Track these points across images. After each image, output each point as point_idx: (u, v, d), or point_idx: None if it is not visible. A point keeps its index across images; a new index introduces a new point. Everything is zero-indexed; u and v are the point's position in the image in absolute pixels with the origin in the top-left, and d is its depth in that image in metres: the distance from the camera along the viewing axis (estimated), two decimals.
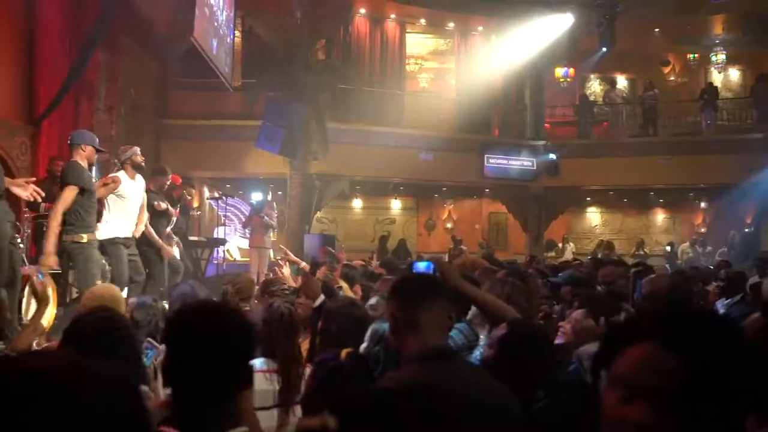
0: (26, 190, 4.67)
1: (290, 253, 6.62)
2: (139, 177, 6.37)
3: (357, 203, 19.44)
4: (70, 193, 5.20)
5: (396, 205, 19.88)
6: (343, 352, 2.76)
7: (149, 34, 13.59)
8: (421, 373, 1.83)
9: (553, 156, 16.69)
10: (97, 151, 5.63)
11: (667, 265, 13.82)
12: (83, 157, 5.48)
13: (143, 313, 3.44)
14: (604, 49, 15.98)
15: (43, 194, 4.94)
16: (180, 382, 1.60)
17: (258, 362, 2.83)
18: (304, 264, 6.18)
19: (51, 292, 6.53)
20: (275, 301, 4.20)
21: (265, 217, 10.75)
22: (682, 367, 1.09)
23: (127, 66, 12.33)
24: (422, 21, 17.37)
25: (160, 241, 6.88)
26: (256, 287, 5.12)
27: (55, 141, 9.56)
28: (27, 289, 6.22)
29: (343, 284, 4.59)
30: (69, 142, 5.65)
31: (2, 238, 4.26)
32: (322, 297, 3.58)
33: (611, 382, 1.20)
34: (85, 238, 5.28)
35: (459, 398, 1.72)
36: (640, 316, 1.63)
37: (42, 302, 5.43)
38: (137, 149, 6.42)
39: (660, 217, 20.29)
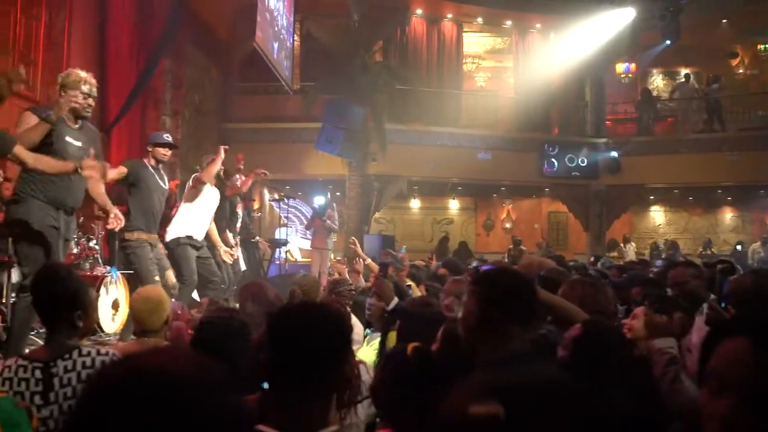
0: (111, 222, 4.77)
1: (359, 248, 6.66)
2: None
3: (415, 203, 19.45)
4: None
5: (454, 205, 19.80)
6: (409, 347, 2.75)
7: (211, 41, 13.94)
8: (506, 377, 1.79)
9: (614, 153, 16.33)
10: (161, 145, 5.70)
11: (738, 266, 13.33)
12: (150, 157, 5.67)
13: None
14: (668, 42, 15.51)
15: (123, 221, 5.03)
16: (280, 381, 1.62)
17: None
18: (370, 261, 6.22)
19: (124, 292, 6.79)
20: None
21: (328, 221, 10.87)
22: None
23: (190, 72, 12.68)
24: (479, 20, 17.25)
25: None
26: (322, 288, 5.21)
27: (124, 147, 9.93)
28: (102, 289, 6.48)
29: (413, 284, 4.59)
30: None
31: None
32: (395, 299, 3.58)
33: (706, 375, 1.23)
34: (135, 235, 5.36)
35: (544, 403, 1.70)
36: (735, 314, 1.59)
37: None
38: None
39: (728, 215, 19.60)
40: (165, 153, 5.67)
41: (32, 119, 4.12)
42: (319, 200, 11.48)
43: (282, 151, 14.28)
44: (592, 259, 9.63)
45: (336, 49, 14.45)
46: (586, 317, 2.70)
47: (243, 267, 8.54)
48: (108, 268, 6.86)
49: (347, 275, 5.71)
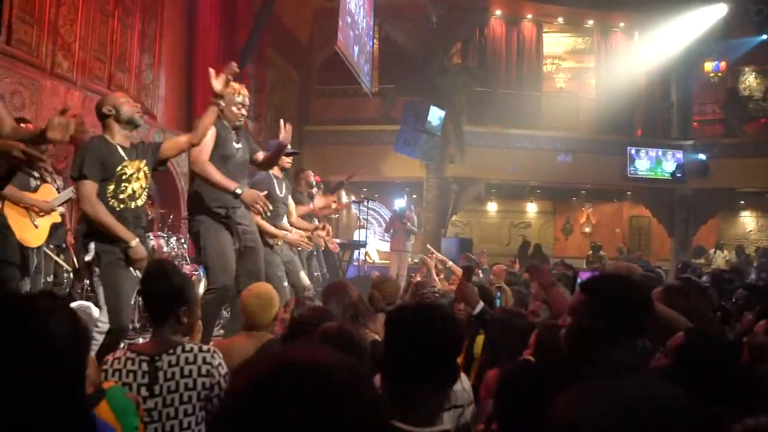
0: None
1: (437, 252, 6.64)
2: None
3: (492, 206, 19.25)
4: None
5: (532, 208, 19.49)
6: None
7: (292, 44, 14.24)
8: (617, 390, 1.72)
9: (702, 156, 15.68)
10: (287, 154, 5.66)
11: None
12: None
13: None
14: (765, 37, 14.75)
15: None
16: (398, 378, 1.65)
17: None
18: (450, 263, 6.18)
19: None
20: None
21: (408, 223, 10.90)
22: None
23: (272, 76, 12.98)
24: (560, 20, 16.93)
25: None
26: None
27: None
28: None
29: (506, 288, 4.54)
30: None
31: None
32: (481, 304, 3.53)
33: None
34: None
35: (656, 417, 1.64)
36: None
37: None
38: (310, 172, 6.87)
39: None
40: (288, 161, 5.70)
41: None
42: (399, 202, 11.53)
43: (360, 153, 14.43)
44: (679, 265, 9.26)
45: (414, 51, 14.49)
46: (689, 325, 2.60)
47: (323, 270, 8.56)
48: (196, 266, 7.08)
49: (434, 274, 5.69)
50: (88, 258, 3.71)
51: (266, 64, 12.60)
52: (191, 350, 2.50)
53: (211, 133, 4.33)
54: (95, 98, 8.02)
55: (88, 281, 3.91)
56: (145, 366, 2.46)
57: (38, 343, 1.20)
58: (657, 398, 1.72)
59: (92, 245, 3.70)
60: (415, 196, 15.93)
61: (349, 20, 11.37)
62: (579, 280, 3.07)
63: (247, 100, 4.59)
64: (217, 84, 4.04)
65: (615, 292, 1.90)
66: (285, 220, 6.14)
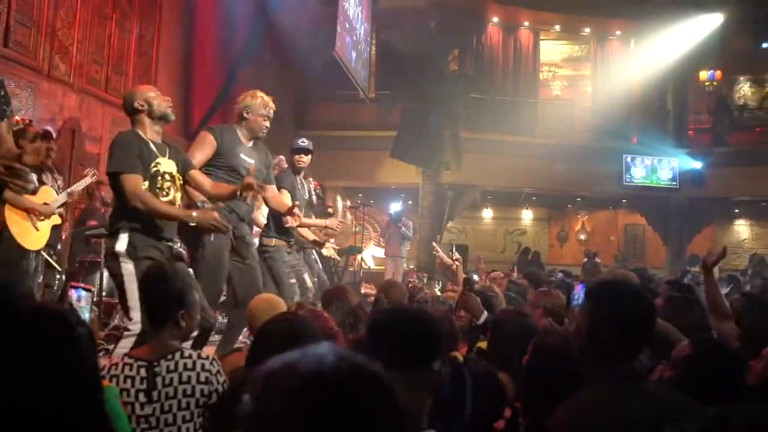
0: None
1: (441, 251, 6.61)
2: None
3: (487, 213, 19.26)
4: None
5: (527, 215, 19.50)
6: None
7: (290, 50, 14.22)
8: (612, 397, 1.72)
9: (697, 165, 15.74)
10: (296, 152, 5.66)
11: None
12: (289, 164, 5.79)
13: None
14: (765, 45, 14.85)
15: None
16: None
17: None
18: (452, 262, 6.14)
19: None
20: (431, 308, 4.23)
21: (403, 228, 10.89)
22: None
23: (269, 80, 12.95)
24: (557, 27, 16.99)
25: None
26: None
27: None
28: None
29: (499, 294, 4.53)
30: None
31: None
32: (485, 313, 3.52)
33: None
34: (273, 242, 5.34)
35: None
36: None
37: None
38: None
39: None
40: (300, 159, 5.63)
41: (208, 138, 4.33)
42: (395, 206, 11.52)
43: (356, 158, 14.42)
44: (679, 274, 9.27)
45: (411, 57, 14.50)
46: (681, 337, 2.59)
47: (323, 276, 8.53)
48: (190, 271, 7.02)
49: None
50: (120, 247, 3.52)
51: (263, 69, 12.58)
52: (190, 356, 2.48)
53: (210, 143, 4.29)
54: (92, 101, 8.02)
55: (112, 277, 3.71)
56: (143, 372, 2.43)
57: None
58: (671, 407, 1.71)
59: (125, 235, 3.54)
60: (410, 202, 15.93)
61: (347, 26, 11.39)
62: (575, 293, 3.06)
63: (272, 113, 4.53)
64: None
65: (615, 301, 1.90)
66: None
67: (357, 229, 12.43)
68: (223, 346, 4.45)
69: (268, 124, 4.52)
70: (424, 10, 14.13)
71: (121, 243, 3.53)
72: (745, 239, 19.03)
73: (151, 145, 3.68)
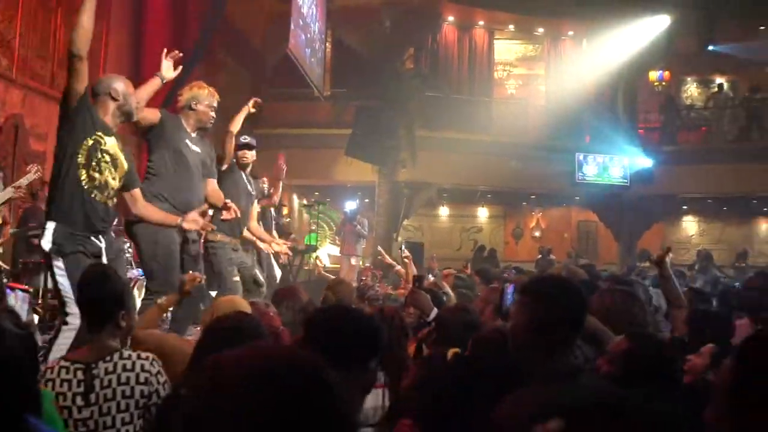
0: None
1: (387, 255, 6.62)
2: None
3: (444, 211, 19.36)
4: None
5: (483, 213, 19.67)
6: (450, 352, 2.69)
7: (244, 47, 14.08)
8: (556, 390, 1.74)
9: (647, 163, 16.11)
10: (239, 147, 5.61)
11: None
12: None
13: None
14: (710, 48, 15.31)
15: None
16: None
17: None
18: (398, 268, 6.18)
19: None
20: (381, 305, 4.23)
21: (358, 226, 10.87)
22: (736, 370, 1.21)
23: (223, 78, 12.79)
24: (511, 27, 17.18)
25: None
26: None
27: None
28: (134, 291, 6.54)
29: (449, 291, 4.55)
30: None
31: None
32: (435, 310, 3.53)
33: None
34: (217, 237, 5.24)
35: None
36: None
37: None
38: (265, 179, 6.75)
39: (764, 226, 19.19)
40: (244, 155, 5.57)
41: (156, 110, 4.36)
42: (350, 205, 11.50)
43: (312, 157, 14.32)
44: (625, 269, 9.47)
45: (367, 55, 14.50)
46: (609, 333, 2.63)
47: (278, 272, 8.47)
48: (139, 271, 6.91)
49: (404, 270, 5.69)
50: (45, 245, 3.42)
51: (217, 67, 12.42)
52: (129, 357, 2.43)
53: (156, 112, 4.27)
54: (36, 97, 7.80)
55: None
56: (80, 374, 2.37)
57: None
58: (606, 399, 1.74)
59: (49, 231, 3.42)
60: (367, 200, 15.92)
61: (301, 23, 11.32)
62: (507, 293, 3.09)
63: (217, 104, 4.54)
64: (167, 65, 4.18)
65: (550, 294, 1.92)
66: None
67: (313, 228, 12.38)
68: None
69: (214, 114, 4.51)
70: (379, 8, 14.13)
71: (46, 240, 3.43)
72: (692, 235, 19.54)
73: (102, 121, 3.60)
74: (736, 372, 1.21)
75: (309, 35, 12.06)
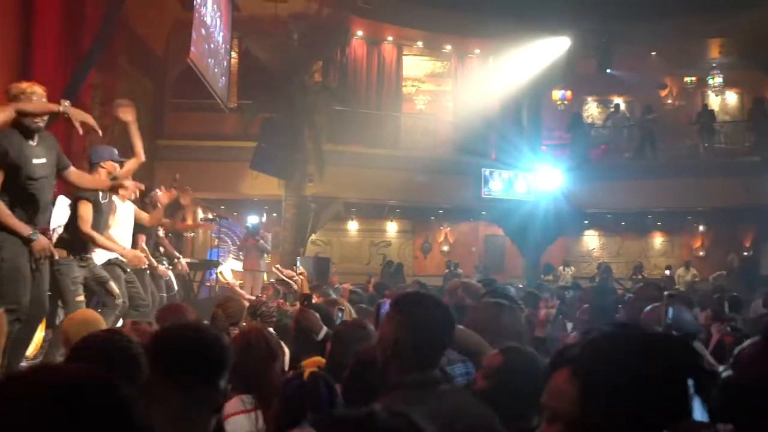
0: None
1: (283, 271, 6.47)
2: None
3: (352, 225, 19.31)
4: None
5: (392, 227, 19.74)
6: (306, 372, 2.60)
7: (145, 54, 13.58)
8: (411, 401, 1.70)
9: (551, 179, 16.62)
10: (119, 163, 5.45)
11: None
12: (104, 174, 5.37)
13: None
14: (609, 71, 16.04)
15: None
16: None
17: (235, 404, 2.62)
18: (296, 279, 6.01)
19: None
20: (252, 324, 4.06)
21: (261, 241, 10.63)
22: (580, 390, 1.19)
23: (123, 86, 12.27)
24: (419, 43, 17.39)
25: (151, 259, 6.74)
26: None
27: None
28: None
29: (347, 306, 4.43)
30: (89, 162, 5.56)
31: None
32: (325, 329, 3.44)
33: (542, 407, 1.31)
34: (64, 253, 4.97)
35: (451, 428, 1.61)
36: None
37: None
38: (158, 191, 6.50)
39: (658, 240, 20.17)
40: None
41: None
42: (252, 219, 11.25)
43: (217, 169, 13.95)
44: (520, 285, 9.68)
45: (275, 67, 14.30)
46: (486, 346, 2.62)
47: (176, 288, 8.22)
48: None
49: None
50: None
51: (116, 74, 11.89)
52: None
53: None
54: None
55: None
56: None
57: None
58: (461, 408, 1.75)
59: None
60: (275, 214, 15.64)
61: (204, 32, 11.01)
62: (383, 307, 3.07)
63: (44, 99, 4.27)
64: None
65: (416, 309, 1.94)
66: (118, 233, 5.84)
67: (215, 242, 12.02)
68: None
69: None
70: (287, 20, 13.97)
71: None
72: (593, 249, 20.30)
73: None
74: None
75: (212, 45, 11.75)
